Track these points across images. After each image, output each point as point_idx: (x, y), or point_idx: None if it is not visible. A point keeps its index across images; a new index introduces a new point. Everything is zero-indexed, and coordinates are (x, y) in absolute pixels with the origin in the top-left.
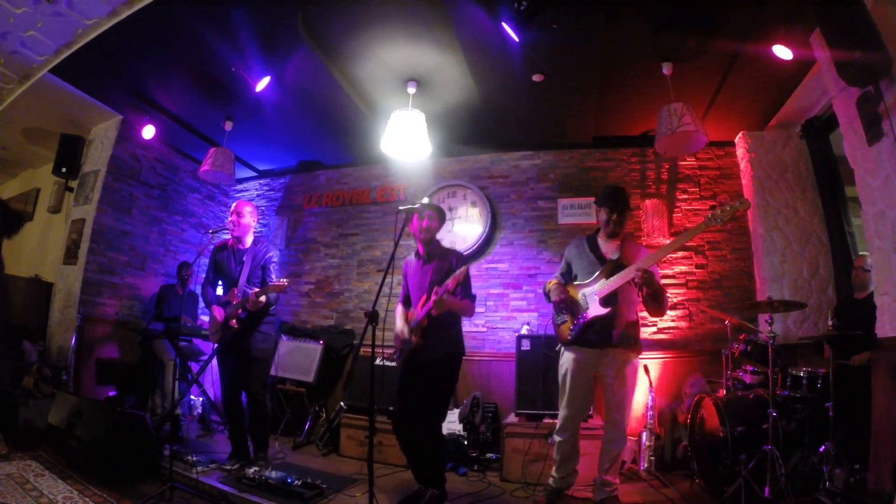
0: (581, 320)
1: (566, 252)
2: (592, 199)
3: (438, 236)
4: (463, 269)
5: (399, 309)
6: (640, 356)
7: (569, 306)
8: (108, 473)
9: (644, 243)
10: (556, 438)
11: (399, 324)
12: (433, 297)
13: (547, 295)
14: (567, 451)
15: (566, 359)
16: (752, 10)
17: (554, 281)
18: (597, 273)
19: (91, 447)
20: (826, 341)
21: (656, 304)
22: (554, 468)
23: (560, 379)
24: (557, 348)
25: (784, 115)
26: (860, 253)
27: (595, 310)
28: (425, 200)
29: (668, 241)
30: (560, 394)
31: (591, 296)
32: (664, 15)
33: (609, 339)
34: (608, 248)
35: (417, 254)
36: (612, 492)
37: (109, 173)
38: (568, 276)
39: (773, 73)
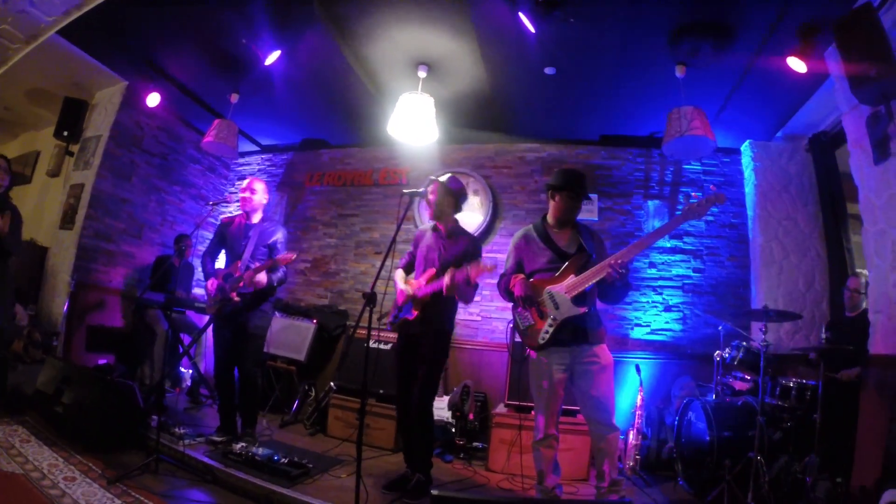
0: (553, 322)
1: (514, 247)
2: (596, 196)
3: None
4: (489, 265)
5: (399, 273)
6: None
7: (535, 303)
8: (93, 442)
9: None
10: (539, 447)
11: (401, 284)
12: (446, 279)
13: (508, 292)
14: (549, 457)
15: (540, 364)
16: (771, 22)
17: (520, 275)
18: (560, 268)
19: (78, 414)
20: (818, 354)
21: (624, 293)
22: (542, 480)
23: (534, 383)
24: (526, 355)
25: (792, 127)
26: (853, 273)
27: (568, 309)
28: (443, 178)
29: (669, 245)
30: (535, 398)
31: (560, 294)
32: (683, 19)
33: (584, 336)
34: (562, 241)
35: (436, 227)
36: (620, 489)
37: (111, 139)
38: (520, 271)
39: (785, 85)
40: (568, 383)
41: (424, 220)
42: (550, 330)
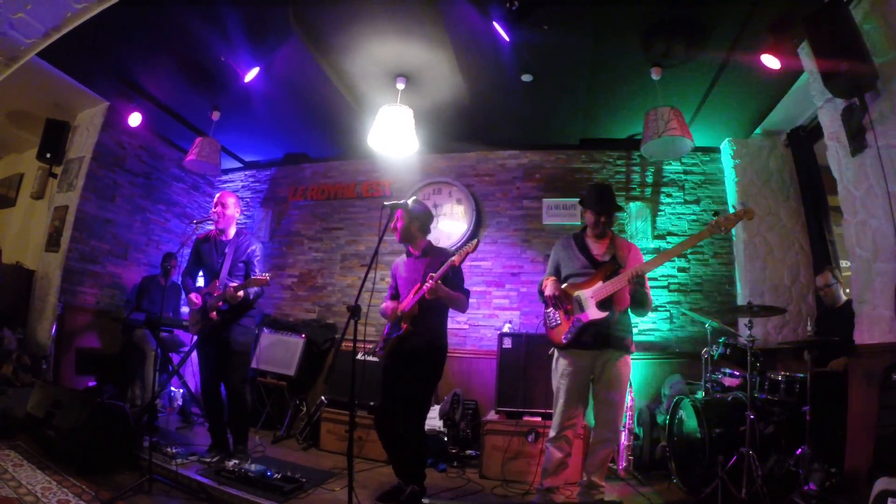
0: (577, 323)
1: (553, 252)
2: (577, 199)
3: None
4: (457, 255)
5: (387, 303)
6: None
7: (562, 304)
8: (86, 464)
9: None
10: (549, 446)
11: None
12: (426, 286)
13: (541, 292)
14: (561, 458)
15: (562, 363)
16: (742, 20)
17: (552, 277)
18: (591, 275)
19: (70, 437)
20: (805, 347)
21: (643, 306)
22: (543, 478)
23: (556, 384)
24: (550, 352)
25: (770, 123)
26: (821, 271)
27: (593, 313)
28: (411, 200)
29: (653, 246)
30: (555, 398)
31: (587, 298)
32: (655, 20)
33: (606, 341)
34: (598, 249)
35: (408, 252)
36: (599, 494)
37: (94, 160)
38: (557, 277)
39: (761, 82)
40: (588, 385)
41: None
42: (574, 331)
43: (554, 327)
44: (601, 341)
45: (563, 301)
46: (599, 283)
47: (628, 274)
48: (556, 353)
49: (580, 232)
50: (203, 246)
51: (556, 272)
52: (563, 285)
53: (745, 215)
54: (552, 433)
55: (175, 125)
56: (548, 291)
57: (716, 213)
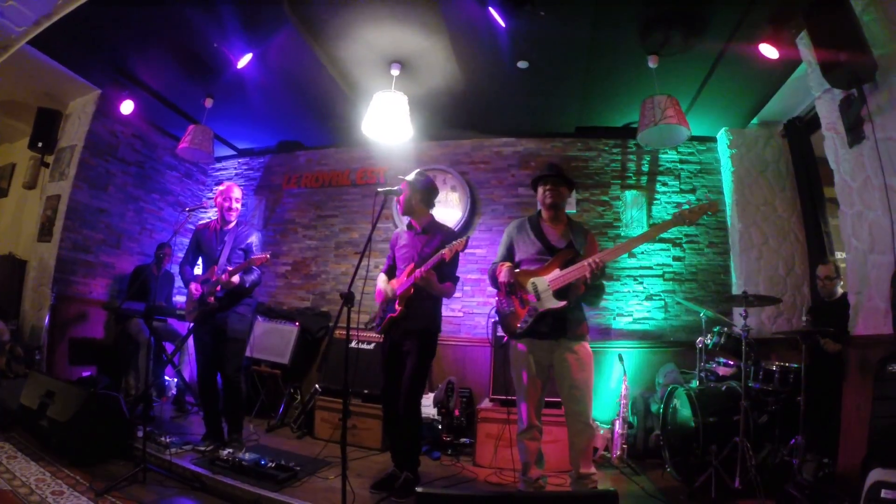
0: (533, 311)
1: (506, 234)
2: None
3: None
4: (447, 250)
5: (381, 277)
6: (592, 341)
7: (517, 291)
8: (80, 455)
9: (622, 235)
10: (522, 439)
11: (381, 285)
12: (417, 272)
13: (493, 278)
14: (537, 447)
15: (518, 352)
16: (741, 9)
17: (507, 263)
18: (547, 261)
19: (63, 428)
20: (799, 337)
21: (599, 297)
22: (526, 472)
23: (514, 373)
24: (505, 341)
25: (767, 113)
26: (822, 261)
27: (549, 301)
28: (415, 172)
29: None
30: (516, 389)
31: (544, 286)
32: (653, 8)
33: (563, 330)
34: (553, 234)
35: (410, 225)
36: (592, 483)
37: (86, 149)
38: (510, 260)
39: (759, 72)
40: (548, 375)
41: (403, 220)
42: (529, 320)
43: (509, 314)
44: (558, 331)
45: (518, 288)
46: (556, 271)
47: (590, 264)
48: (511, 343)
49: (535, 216)
50: (203, 234)
51: (510, 256)
52: (517, 271)
53: (709, 208)
54: (522, 426)
55: (168, 113)
56: (502, 278)
57: (678, 206)
